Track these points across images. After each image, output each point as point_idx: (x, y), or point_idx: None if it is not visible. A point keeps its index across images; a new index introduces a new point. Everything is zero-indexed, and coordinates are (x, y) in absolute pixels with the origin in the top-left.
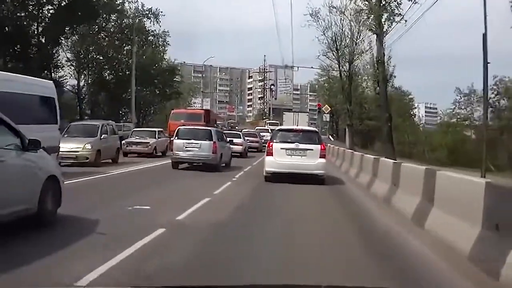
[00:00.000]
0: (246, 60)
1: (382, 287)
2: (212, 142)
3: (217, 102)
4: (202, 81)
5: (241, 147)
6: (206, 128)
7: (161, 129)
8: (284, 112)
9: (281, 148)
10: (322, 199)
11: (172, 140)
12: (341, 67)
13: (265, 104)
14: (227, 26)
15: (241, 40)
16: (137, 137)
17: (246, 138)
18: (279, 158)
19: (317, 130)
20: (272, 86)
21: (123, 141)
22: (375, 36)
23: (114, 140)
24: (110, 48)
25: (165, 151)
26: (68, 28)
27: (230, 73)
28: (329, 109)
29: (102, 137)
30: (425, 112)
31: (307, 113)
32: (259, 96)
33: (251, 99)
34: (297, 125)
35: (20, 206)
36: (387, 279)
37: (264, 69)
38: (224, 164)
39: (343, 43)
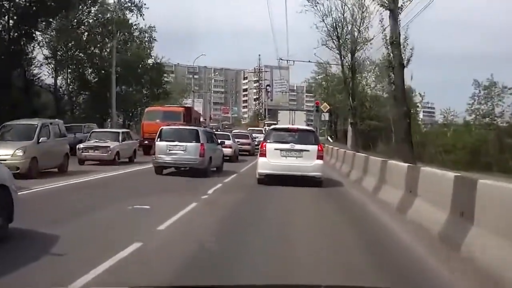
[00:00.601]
0: (240, 61)
1: (382, 287)
2: (199, 144)
3: (212, 103)
4: (197, 82)
5: (230, 150)
6: (193, 128)
7: (128, 130)
8: (279, 111)
9: (275, 149)
10: (321, 205)
11: (154, 142)
12: (343, 58)
13: (260, 105)
14: (221, 27)
15: (236, 41)
16: (96, 140)
17: (236, 140)
18: (273, 159)
19: (314, 130)
20: (267, 87)
21: (78, 146)
22: (388, 13)
23: (60, 144)
24: (91, 44)
25: (133, 157)
26: (42, 22)
27: (224, 74)
28: (328, 107)
29: (40, 141)
30: (423, 111)
31: (304, 112)
32: (255, 97)
33: (247, 100)
34: (294, 125)
35: None
36: None
37: (259, 69)
38: (215, 169)
39: (344, 30)
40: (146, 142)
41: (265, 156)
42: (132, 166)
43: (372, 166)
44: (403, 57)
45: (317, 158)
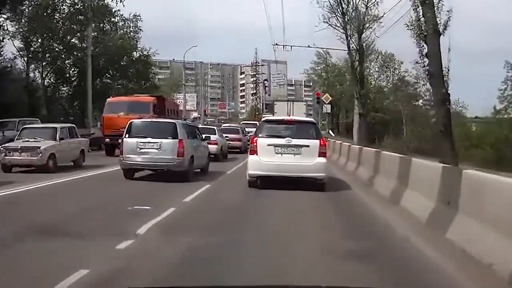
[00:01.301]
0: (237, 57)
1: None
2: (176, 140)
3: (208, 99)
4: (193, 78)
5: (216, 146)
6: (169, 121)
7: (71, 125)
8: (275, 102)
9: (268, 145)
10: (325, 219)
11: (123, 138)
12: (349, 38)
13: (258, 99)
14: (218, 23)
15: (232, 37)
16: (26, 139)
17: (225, 135)
18: (266, 158)
19: (314, 121)
20: (265, 82)
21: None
22: None
23: None
24: (68, 34)
25: (80, 160)
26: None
27: (221, 69)
28: (330, 98)
29: None
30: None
31: (304, 103)
32: (252, 92)
33: (244, 95)
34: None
35: None
36: None
37: (256, 62)
38: (199, 170)
39: (351, 4)
40: (107, 140)
41: (256, 154)
42: (77, 172)
43: (387, 165)
44: (438, 22)
45: (319, 156)
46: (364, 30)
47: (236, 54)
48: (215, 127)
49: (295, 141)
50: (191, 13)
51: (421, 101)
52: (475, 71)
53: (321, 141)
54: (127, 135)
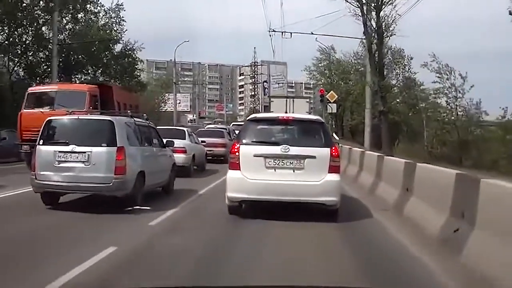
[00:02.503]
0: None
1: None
2: (114, 148)
3: (206, 101)
4: (190, 79)
5: (183, 156)
6: (104, 119)
7: None
8: (272, 99)
9: (256, 155)
10: (346, 274)
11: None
12: (365, 15)
13: (257, 101)
14: (217, 25)
15: (231, 38)
16: None
17: (204, 139)
18: (253, 174)
19: (322, 121)
20: (265, 83)
21: None
22: None
23: None
24: (34, 22)
25: None
26: None
27: (220, 70)
28: (336, 96)
29: None
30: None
31: (307, 100)
32: (251, 94)
33: (243, 97)
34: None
35: None
36: None
37: (255, 63)
38: (160, 189)
39: None
40: (25, 146)
41: (239, 168)
42: None
43: (426, 183)
44: None
45: (331, 171)
46: (384, 7)
47: (235, 56)
48: (185, 129)
49: (295, 150)
50: (190, 14)
51: (444, 99)
52: None
53: (333, 150)
54: (41, 141)
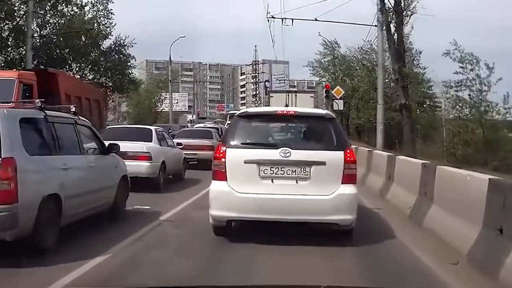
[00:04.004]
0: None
1: (382, 287)
2: None
3: (208, 101)
4: (191, 79)
5: (146, 164)
6: None
7: None
8: (271, 95)
9: (248, 162)
10: None
11: None
12: None
13: (258, 100)
14: (218, 24)
15: (232, 37)
16: None
17: (187, 142)
18: (243, 186)
19: (332, 115)
20: (266, 82)
21: None
22: None
23: None
24: (11, 13)
25: None
26: None
27: (221, 70)
28: (342, 92)
29: None
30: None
31: (312, 95)
32: (253, 93)
33: (244, 97)
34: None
35: None
36: None
37: (256, 61)
38: (111, 211)
39: None
40: None
41: (225, 179)
42: None
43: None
44: None
45: (345, 181)
46: None
47: (236, 56)
48: (153, 128)
49: (298, 154)
50: (191, 14)
51: (467, 92)
52: None
53: (348, 153)
54: None
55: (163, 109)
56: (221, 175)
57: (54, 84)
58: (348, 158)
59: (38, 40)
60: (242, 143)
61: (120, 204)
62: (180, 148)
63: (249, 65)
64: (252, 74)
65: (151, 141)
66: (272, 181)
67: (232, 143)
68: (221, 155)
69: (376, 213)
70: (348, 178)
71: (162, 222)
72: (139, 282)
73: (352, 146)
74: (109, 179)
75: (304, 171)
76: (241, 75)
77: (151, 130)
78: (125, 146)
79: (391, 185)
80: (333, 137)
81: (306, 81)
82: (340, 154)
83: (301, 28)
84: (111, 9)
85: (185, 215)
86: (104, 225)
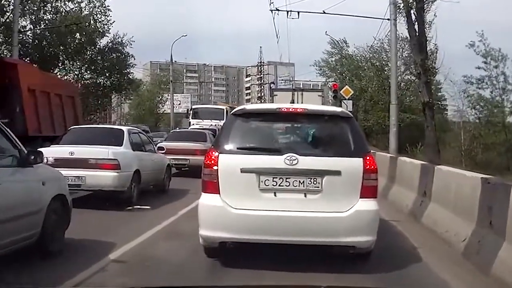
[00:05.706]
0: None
1: (382, 287)
2: None
3: (212, 103)
4: (196, 81)
5: (112, 174)
6: None
7: None
8: (275, 93)
9: (245, 171)
10: None
11: None
12: None
13: (262, 102)
14: (222, 24)
15: (236, 39)
16: None
17: (176, 144)
18: (240, 201)
19: (349, 114)
20: (271, 84)
21: None
22: None
23: None
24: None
25: None
26: None
27: (226, 71)
28: (351, 92)
29: None
30: None
31: (320, 94)
32: (258, 95)
33: (250, 99)
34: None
35: None
36: None
37: (261, 62)
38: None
39: None
40: None
41: (217, 191)
42: None
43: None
44: None
45: (365, 195)
46: None
47: (241, 58)
48: (125, 129)
49: (306, 162)
50: (195, 15)
51: (488, 90)
52: None
53: (368, 161)
54: None
55: (164, 110)
56: (212, 187)
57: (13, 77)
58: (368, 167)
59: (29, 37)
60: (238, 148)
61: (54, 235)
62: (163, 153)
63: (254, 66)
64: (257, 76)
65: (121, 145)
66: (275, 195)
67: (226, 147)
68: (212, 162)
69: (400, 231)
70: (368, 191)
71: (109, 263)
72: (139, 282)
73: (374, 152)
74: (28, 202)
75: (315, 182)
76: (246, 77)
77: (123, 131)
78: (85, 151)
79: (427, 204)
80: (350, 141)
81: (311, 83)
82: (358, 162)
83: (306, 28)
84: (108, 6)
85: (147, 251)
86: (28, 264)
